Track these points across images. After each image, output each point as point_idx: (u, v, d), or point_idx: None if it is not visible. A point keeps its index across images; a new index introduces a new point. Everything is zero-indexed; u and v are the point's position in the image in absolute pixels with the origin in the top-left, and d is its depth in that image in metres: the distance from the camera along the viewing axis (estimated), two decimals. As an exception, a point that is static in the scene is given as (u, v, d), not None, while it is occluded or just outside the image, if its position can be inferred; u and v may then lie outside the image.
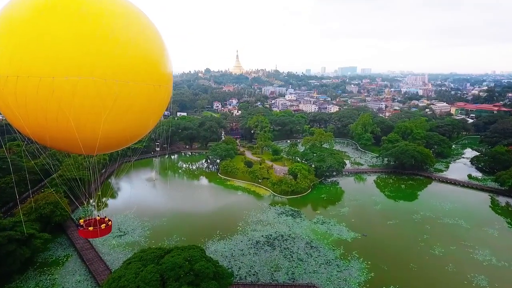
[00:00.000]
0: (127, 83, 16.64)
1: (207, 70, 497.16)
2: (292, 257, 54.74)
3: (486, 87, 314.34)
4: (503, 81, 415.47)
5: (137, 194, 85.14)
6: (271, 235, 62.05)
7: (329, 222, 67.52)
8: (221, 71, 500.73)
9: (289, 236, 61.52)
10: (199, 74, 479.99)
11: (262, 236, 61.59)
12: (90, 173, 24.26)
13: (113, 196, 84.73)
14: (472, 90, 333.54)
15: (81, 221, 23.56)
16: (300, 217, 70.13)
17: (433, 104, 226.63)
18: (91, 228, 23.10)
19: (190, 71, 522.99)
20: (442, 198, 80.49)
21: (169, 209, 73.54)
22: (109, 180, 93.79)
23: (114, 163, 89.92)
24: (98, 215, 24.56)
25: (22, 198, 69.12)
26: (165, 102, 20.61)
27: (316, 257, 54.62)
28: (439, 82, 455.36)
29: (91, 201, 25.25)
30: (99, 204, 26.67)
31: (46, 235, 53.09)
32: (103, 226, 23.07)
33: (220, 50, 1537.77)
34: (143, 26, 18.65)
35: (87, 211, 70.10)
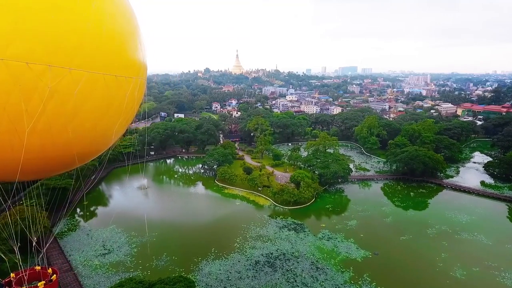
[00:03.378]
0: (70, 70, 10.23)
1: (207, 70, 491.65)
2: (295, 281, 48.50)
3: (491, 88, 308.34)
4: (505, 81, 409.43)
5: (126, 204, 78.85)
6: (271, 253, 55.83)
7: (336, 238, 61.30)
8: (221, 71, 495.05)
9: (292, 255, 55.29)
10: (199, 74, 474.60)
11: (262, 254, 55.35)
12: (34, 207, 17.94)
13: (104, 203, 78.72)
14: (476, 90, 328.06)
15: (12, 275, 16.77)
16: (304, 231, 63.89)
17: (438, 105, 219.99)
18: None
19: (189, 71, 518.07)
20: (456, 209, 74.25)
21: (161, 221, 67.21)
22: (99, 187, 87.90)
23: (107, 166, 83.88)
24: (39, 265, 18.08)
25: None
26: (137, 102, 14.29)
27: (322, 281, 48.41)
28: (442, 82, 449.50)
29: (33, 243, 18.54)
30: (43, 247, 20.04)
31: (15, 258, 46.69)
32: (40, 284, 16.15)
33: (220, 49, 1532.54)
34: None
35: (72, 222, 63.83)
